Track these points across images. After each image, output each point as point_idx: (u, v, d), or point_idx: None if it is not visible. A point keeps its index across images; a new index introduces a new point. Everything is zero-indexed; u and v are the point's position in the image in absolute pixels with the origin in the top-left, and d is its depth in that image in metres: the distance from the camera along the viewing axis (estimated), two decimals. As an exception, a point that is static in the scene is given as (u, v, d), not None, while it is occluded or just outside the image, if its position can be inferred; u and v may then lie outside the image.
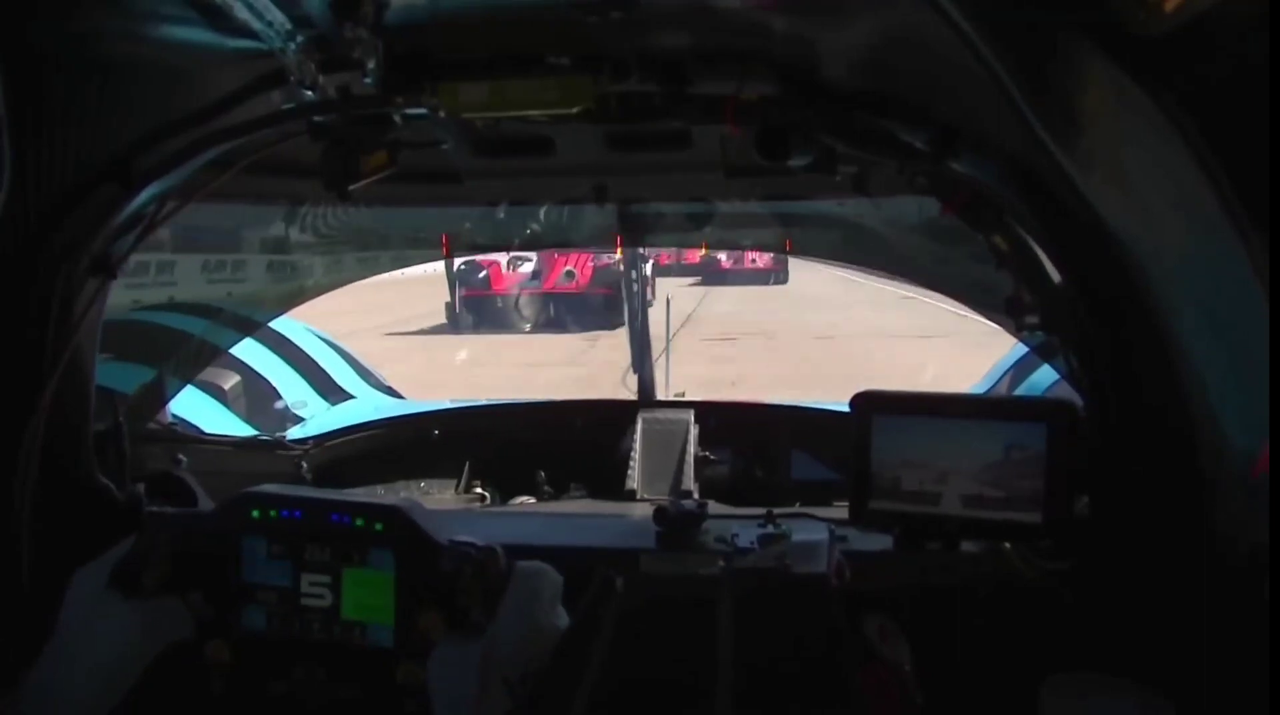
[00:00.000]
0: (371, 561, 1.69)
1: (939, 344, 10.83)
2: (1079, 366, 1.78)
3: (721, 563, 1.80)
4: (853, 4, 1.40)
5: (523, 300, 10.45)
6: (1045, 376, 3.24)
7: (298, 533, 1.73)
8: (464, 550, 1.67)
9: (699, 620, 1.42)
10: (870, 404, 1.97)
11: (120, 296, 2.17)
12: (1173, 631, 1.55)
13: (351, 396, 5.25)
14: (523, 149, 2.12)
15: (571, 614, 1.63)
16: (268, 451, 3.04)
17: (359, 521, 1.71)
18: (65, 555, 1.81)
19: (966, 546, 1.95)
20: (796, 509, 2.37)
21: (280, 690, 1.74)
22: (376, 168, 1.81)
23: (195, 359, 3.02)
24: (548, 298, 10.10)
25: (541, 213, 2.85)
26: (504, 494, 3.18)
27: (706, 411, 3.26)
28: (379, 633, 1.70)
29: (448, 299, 10.31)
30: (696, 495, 2.87)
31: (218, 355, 3.41)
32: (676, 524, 2.13)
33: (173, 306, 2.96)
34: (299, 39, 1.53)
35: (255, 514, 1.75)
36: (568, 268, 9.49)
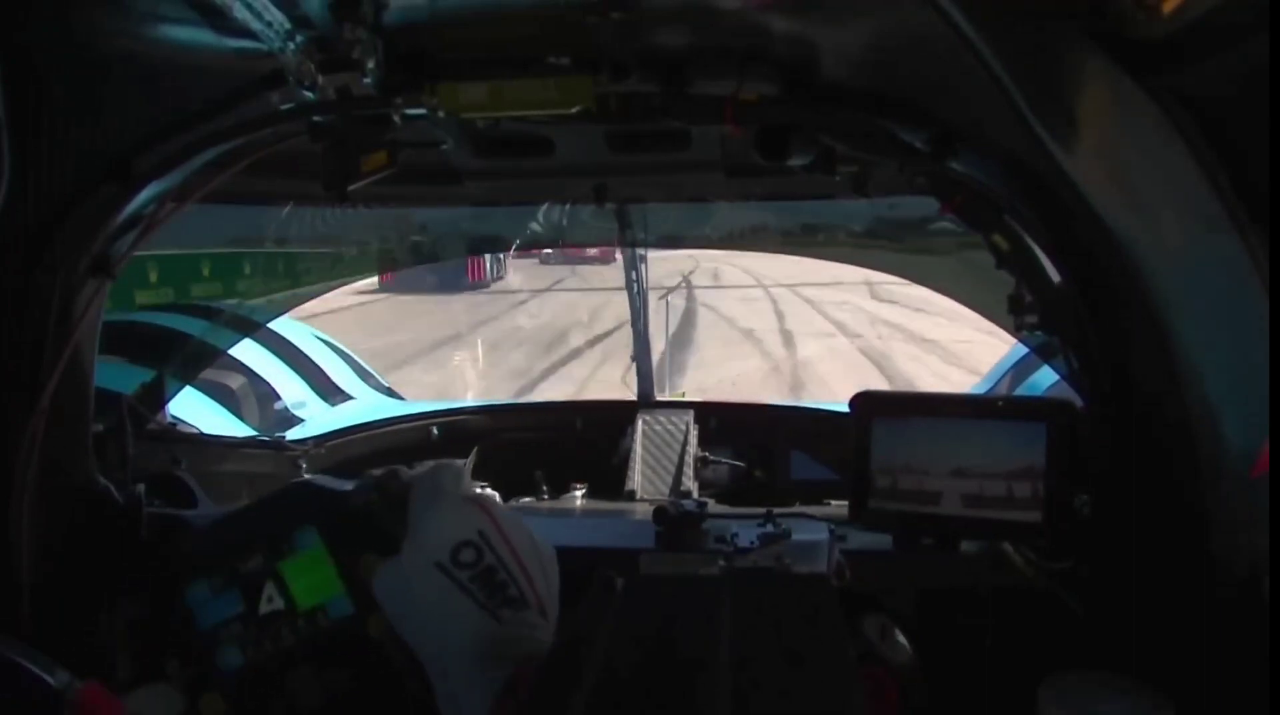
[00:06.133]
0: (299, 544, 1.69)
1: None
2: (1079, 366, 1.77)
3: (722, 562, 1.80)
4: (853, 4, 1.40)
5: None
6: (1045, 376, 3.24)
7: (225, 555, 1.71)
8: (365, 482, 1.67)
9: (699, 620, 1.42)
10: (870, 404, 1.97)
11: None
12: (1173, 631, 1.54)
13: (351, 397, 5.26)
14: (523, 149, 2.11)
15: (571, 614, 1.63)
16: (267, 452, 3.04)
17: (270, 515, 1.71)
18: (65, 557, 1.80)
19: (966, 546, 1.95)
20: (796, 509, 2.37)
21: (281, 706, 1.73)
22: (376, 168, 1.80)
23: (195, 359, 3.02)
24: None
25: (541, 213, 2.85)
26: (503, 494, 3.18)
27: (706, 412, 3.26)
28: (337, 605, 1.69)
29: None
30: (696, 495, 2.87)
31: (218, 356, 3.41)
32: (676, 524, 2.13)
33: (172, 307, 2.96)
34: (298, 39, 1.53)
35: (182, 560, 1.73)
36: (579, 243, 18.28)
